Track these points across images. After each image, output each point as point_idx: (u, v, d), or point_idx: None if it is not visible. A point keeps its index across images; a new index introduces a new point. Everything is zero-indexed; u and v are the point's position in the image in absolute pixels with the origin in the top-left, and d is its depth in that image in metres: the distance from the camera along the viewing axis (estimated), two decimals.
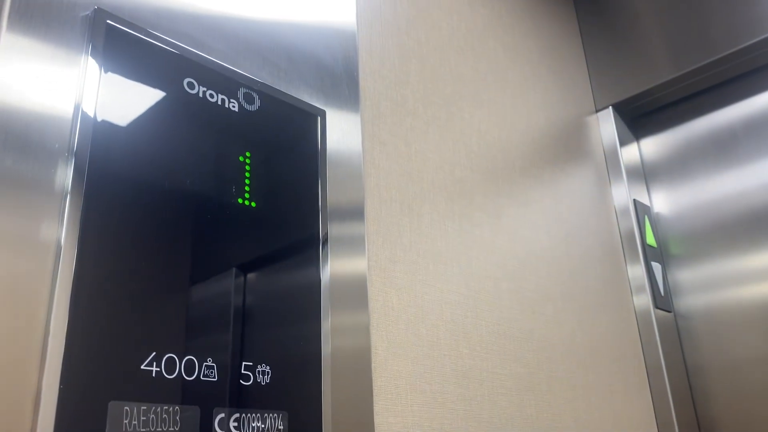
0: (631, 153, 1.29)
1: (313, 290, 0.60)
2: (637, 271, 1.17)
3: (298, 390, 0.55)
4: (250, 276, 0.56)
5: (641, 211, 1.22)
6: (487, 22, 1.06)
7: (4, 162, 0.44)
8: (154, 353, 0.47)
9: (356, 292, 0.65)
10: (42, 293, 0.44)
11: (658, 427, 1.06)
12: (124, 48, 0.53)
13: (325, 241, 0.62)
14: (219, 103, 0.58)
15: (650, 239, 1.21)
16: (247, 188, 0.58)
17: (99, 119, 0.49)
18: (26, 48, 0.48)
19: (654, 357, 1.11)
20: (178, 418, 0.47)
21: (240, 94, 0.60)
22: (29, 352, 0.42)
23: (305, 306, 0.59)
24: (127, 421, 0.44)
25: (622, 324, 1.09)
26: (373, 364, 0.65)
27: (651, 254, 1.19)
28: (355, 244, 0.67)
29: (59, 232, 0.45)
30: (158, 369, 0.47)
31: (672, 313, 1.19)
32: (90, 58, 0.50)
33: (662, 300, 1.16)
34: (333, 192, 0.66)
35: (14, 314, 0.42)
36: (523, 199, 0.98)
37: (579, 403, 0.92)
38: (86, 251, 0.46)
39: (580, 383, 0.94)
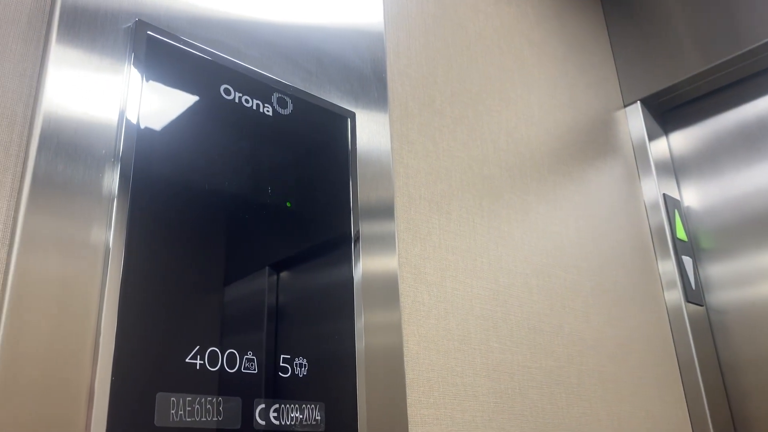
0: (660, 147, 1.29)
1: (346, 287, 0.62)
2: (667, 265, 1.17)
3: (333, 382, 0.57)
4: (286, 274, 0.58)
5: (671, 205, 1.22)
6: (513, 21, 1.07)
7: (56, 167, 0.47)
8: (198, 347, 0.50)
9: (388, 288, 0.67)
10: (92, 294, 0.46)
11: (692, 424, 1.06)
12: (164, 57, 0.56)
13: (357, 240, 0.65)
14: (254, 108, 0.61)
15: (680, 233, 1.21)
16: (282, 189, 0.60)
17: (142, 125, 0.52)
18: (74, 59, 0.50)
19: (686, 351, 1.10)
20: (221, 408, 0.49)
21: (273, 99, 0.63)
22: (83, 348, 0.45)
23: (339, 302, 0.61)
24: (173, 411, 0.47)
25: (653, 318, 1.10)
26: (405, 358, 0.67)
27: (681, 248, 1.19)
28: (386, 242, 0.69)
29: (107, 235, 0.48)
30: (202, 362, 0.49)
31: (704, 307, 1.18)
32: (132, 67, 0.53)
33: (693, 294, 1.16)
34: (364, 191, 0.68)
35: (68, 313, 0.45)
36: (552, 195, 0.99)
37: (610, 396, 0.93)
38: (133, 253, 0.48)
39: (611, 377, 0.94)
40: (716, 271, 1.21)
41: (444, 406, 0.69)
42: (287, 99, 0.64)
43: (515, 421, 0.76)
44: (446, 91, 0.88)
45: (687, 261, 1.19)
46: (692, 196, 1.27)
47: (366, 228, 0.66)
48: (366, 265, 0.65)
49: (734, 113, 1.24)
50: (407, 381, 0.66)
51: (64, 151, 0.48)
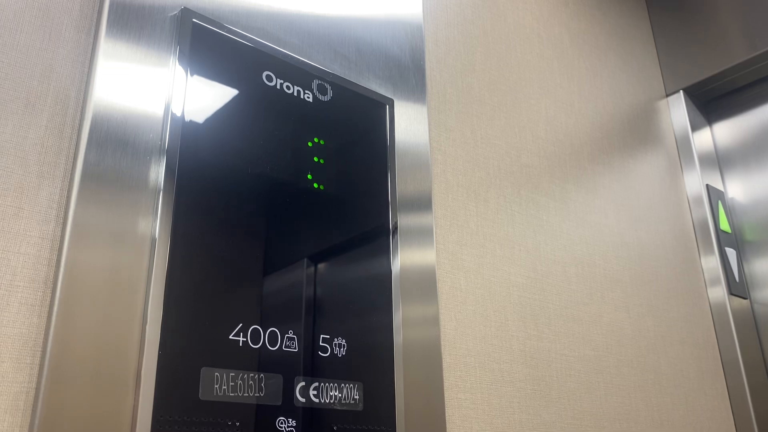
0: (703, 138, 1.27)
1: (384, 273, 0.63)
2: (710, 257, 1.14)
3: (371, 363, 0.58)
4: (325, 259, 0.59)
5: (714, 196, 1.19)
6: (553, 9, 1.07)
7: (105, 159, 0.49)
8: (241, 324, 0.51)
9: (426, 275, 0.67)
10: (140, 281, 0.48)
11: (734, 419, 1.05)
12: (208, 44, 0.57)
13: (396, 213, 0.65)
14: (295, 94, 0.62)
15: (724, 225, 1.18)
16: (322, 175, 0.61)
17: (187, 112, 0.54)
18: (123, 46, 0.52)
19: (729, 344, 1.08)
20: (262, 384, 0.51)
21: (314, 86, 0.64)
22: (131, 329, 0.46)
23: (378, 287, 0.62)
24: (217, 386, 0.48)
25: (695, 310, 1.08)
26: (442, 342, 0.67)
27: (725, 240, 1.17)
28: (424, 225, 0.69)
29: (154, 225, 0.49)
30: (245, 339, 0.51)
31: (748, 300, 1.16)
32: (178, 53, 0.55)
33: (737, 286, 1.14)
34: (401, 176, 0.68)
35: (117, 298, 0.47)
36: (592, 184, 0.98)
37: (649, 387, 0.92)
38: (178, 244, 0.50)
39: (651, 368, 0.93)
40: (761, 263, 1.18)
41: (481, 391, 0.70)
42: (327, 86, 0.65)
43: (552, 408, 0.76)
44: (484, 79, 0.88)
45: (731, 253, 1.16)
46: (737, 187, 1.24)
47: (404, 209, 0.67)
48: (404, 254, 0.65)
49: None
50: (444, 365, 0.67)
51: (114, 143, 0.50)
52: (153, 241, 0.49)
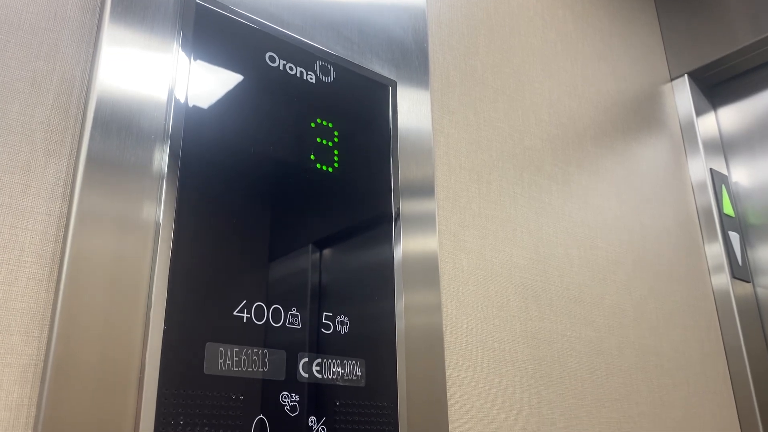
0: (708, 123, 1.27)
1: (387, 256, 0.63)
2: (713, 240, 1.15)
3: (374, 340, 0.59)
4: (330, 236, 0.60)
5: (718, 180, 1.19)
6: None
7: (110, 145, 0.49)
8: (245, 301, 0.52)
9: (428, 254, 0.68)
10: (144, 264, 0.49)
11: (735, 400, 1.05)
12: (212, 25, 0.58)
13: (397, 194, 0.66)
14: (297, 75, 0.62)
15: (728, 209, 1.18)
16: (325, 156, 0.62)
17: (191, 93, 0.54)
18: (126, 37, 0.53)
19: (732, 327, 1.09)
20: (266, 360, 0.52)
21: (317, 67, 0.64)
22: (137, 300, 0.47)
23: (379, 267, 0.62)
24: (221, 361, 0.49)
25: (697, 293, 1.08)
26: (444, 321, 0.68)
27: (728, 224, 1.17)
28: (426, 204, 0.70)
29: (158, 212, 0.50)
30: (248, 315, 0.52)
31: (751, 283, 1.16)
32: (182, 35, 0.55)
33: (740, 270, 1.14)
34: (404, 156, 0.69)
35: (123, 270, 0.47)
36: (594, 168, 0.99)
37: (651, 368, 0.92)
38: (182, 227, 0.51)
39: (653, 350, 0.94)
40: (765, 247, 1.18)
41: (482, 370, 0.70)
42: (330, 67, 0.65)
43: (553, 387, 0.77)
44: (488, 61, 0.88)
45: (734, 237, 1.17)
46: (741, 172, 1.24)
47: (406, 184, 0.68)
48: (406, 235, 0.66)
49: None
50: (446, 343, 0.68)
51: (118, 130, 0.50)
52: (158, 219, 0.50)
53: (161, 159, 0.51)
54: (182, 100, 0.54)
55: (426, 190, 0.71)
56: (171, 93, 0.53)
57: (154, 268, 0.48)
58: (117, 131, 0.50)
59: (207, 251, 0.51)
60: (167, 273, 0.49)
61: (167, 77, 0.54)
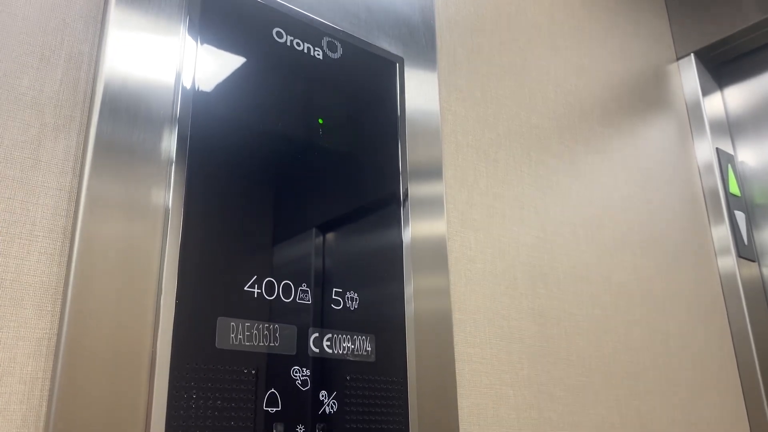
0: (714, 102, 1.26)
1: (396, 237, 0.63)
2: (719, 220, 1.15)
3: (383, 316, 0.59)
4: (337, 215, 0.60)
5: (724, 159, 1.19)
6: None
7: (119, 130, 0.49)
8: (255, 276, 0.52)
9: (436, 233, 0.68)
10: (154, 247, 0.49)
11: (740, 376, 1.06)
12: (219, 2, 0.57)
13: (405, 174, 0.66)
14: (305, 51, 0.62)
15: (733, 188, 1.18)
16: (333, 132, 0.61)
17: (198, 74, 0.54)
18: (132, 19, 0.52)
19: (737, 306, 1.09)
20: (277, 335, 0.52)
21: (324, 43, 0.64)
22: (149, 273, 0.47)
23: (388, 245, 0.62)
24: (233, 335, 0.50)
25: (703, 272, 1.08)
26: (452, 298, 0.68)
27: (734, 203, 1.17)
28: (432, 181, 0.70)
29: (168, 188, 0.50)
30: (259, 291, 0.52)
31: (756, 263, 1.16)
32: (188, 11, 0.55)
33: (746, 249, 1.14)
34: (411, 133, 0.69)
35: (134, 243, 0.47)
36: (601, 147, 0.98)
37: (657, 347, 0.93)
38: (192, 202, 0.51)
39: (659, 328, 0.94)
40: None
41: (490, 346, 0.71)
42: (337, 43, 0.65)
43: (561, 365, 0.77)
44: (495, 39, 0.88)
45: (740, 216, 1.16)
46: (747, 152, 1.24)
47: (413, 159, 0.68)
48: (414, 215, 0.66)
49: None
50: (454, 320, 0.68)
51: (126, 114, 0.49)
52: (168, 196, 0.50)
53: (170, 143, 0.51)
54: (189, 82, 0.53)
55: (434, 168, 0.70)
56: (178, 75, 0.53)
57: (165, 244, 0.48)
58: (126, 109, 0.50)
59: (218, 227, 0.51)
60: (178, 248, 0.49)
61: (174, 58, 0.54)
